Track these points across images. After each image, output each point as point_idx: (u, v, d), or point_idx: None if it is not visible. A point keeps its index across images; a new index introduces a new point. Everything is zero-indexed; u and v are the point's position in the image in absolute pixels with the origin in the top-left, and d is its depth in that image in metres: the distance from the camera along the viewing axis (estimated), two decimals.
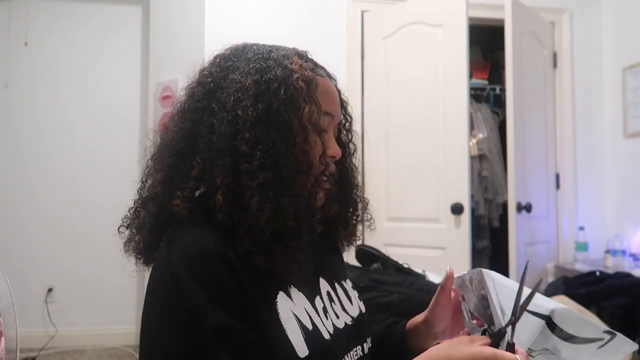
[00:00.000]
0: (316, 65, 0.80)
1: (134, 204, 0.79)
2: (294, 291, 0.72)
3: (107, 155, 3.63)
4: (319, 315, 0.74)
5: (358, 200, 0.90)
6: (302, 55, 0.79)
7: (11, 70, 3.58)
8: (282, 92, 0.71)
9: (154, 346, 0.65)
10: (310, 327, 0.71)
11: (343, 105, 0.85)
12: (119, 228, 0.80)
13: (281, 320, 0.68)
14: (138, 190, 0.79)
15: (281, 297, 0.70)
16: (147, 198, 0.76)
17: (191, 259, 0.64)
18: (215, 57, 0.79)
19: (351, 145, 0.89)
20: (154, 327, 0.65)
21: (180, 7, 3.18)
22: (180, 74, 3.07)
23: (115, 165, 3.62)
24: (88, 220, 3.56)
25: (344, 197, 0.86)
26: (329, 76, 0.82)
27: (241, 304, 0.65)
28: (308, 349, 0.68)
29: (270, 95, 0.71)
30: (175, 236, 0.69)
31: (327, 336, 0.73)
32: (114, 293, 3.54)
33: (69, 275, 3.54)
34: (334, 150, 0.78)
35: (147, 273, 0.81)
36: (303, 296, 0.74)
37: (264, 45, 0.80)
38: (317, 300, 0.77)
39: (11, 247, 3.47)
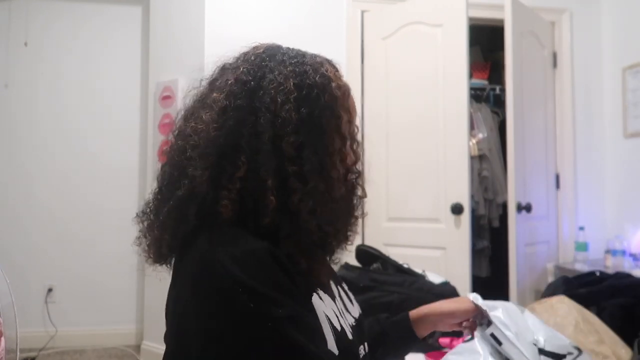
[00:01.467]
0: (340, 74, 0.81)
1: (161, 202, 0.72)
2: (322, 294, 0.74)
3: (107, 155, 3.63)
4: (341, 317, 0.76)
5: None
6: (332, 64, 0.80)
7: (11, 70, 3.58)
8: (323, 99, 0.72)
9: (220, 351, 0.62)
10: (339, 327, 0.73)
11: None
12: (139, 232, 0.76)
13: (319, 320, 0.69)
14: (161, 187, 0.74)
15: (315, 298, 0.72)
16: (185, 197, 0.69)
17: (244, 259, 0.63)
18: (248, 55, 0.77)
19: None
20: (215, 334, 0.62)
21: (180, 7, 3.18)
22: (180, 74, 3.08)
23: (115, 165, 3.62)
24: (88, 220, 3.56)
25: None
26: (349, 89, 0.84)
27: (299, 294, 0.66)
28: (338, 349, 0.69)
29: (312, 100, 0.71)
30: (219, 238, 0.66)
31: (350, 336, 0.75)
32: (114, 293, 3.54)
33: (69, 275, 3.54)
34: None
35: (148, 272, 0.80)
36: (329, 298, 0.76)
37: (293, 48, 0.80)
38: (337, 301, 0.79)
39: (11, 247, 3.47)
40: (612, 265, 2.94)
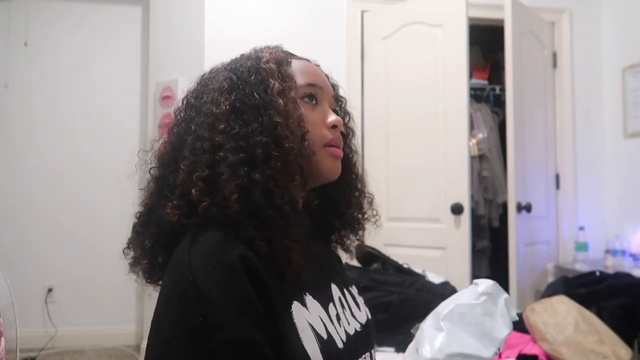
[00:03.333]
0: (293, 54, 0.82)
1: (134, 223, 0.78)
2: (309, 299, 0.71)
3: (107, 155, 3.63)
4: (332, 323, 0.73)
5: (361, 191, 0.89)
6: (274, 47, 0.81)
7: (11, 70, 3.58)
8: (252, 77, 0.73)
9: (162, 354, 0.62)
10: (325, 336, 0.69)
11: (335, 88, 0.86)
12: (123, 250, 0.79)
13: (298, 329, 0.66)
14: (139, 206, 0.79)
15: (296, 306, 0.68)
16: (142, 213, 0.77)
17: (212, 270, 0.62)
18: (196, 81, 0.81)
19: (348, 129, 0.88)
20: (165, 335, 0.62)
21: (180, 7, 3.18)
22: (180, 74, 3.08)
23: (115, 166, 3.60)
24: (88, 220, 3.56)
25: (344, 190, 0.86)
26: (308, 61, 0.83)
27: (263, 314, 0.63)
28: (323, 358, 0.67)
29: (242, 84, 0.73)
30: (196, 239, 0.66)
31: (340, 345, 0.72)
32: (114, 293, 3.54)
33: (68, 276, 3.54)
34: (333, 118, 0.77)
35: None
36: (318, 304, 0.72)
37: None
38: (331, 307, 0.75)
39: (11, 247, 3.47)
40: (612, 265, 2.94)
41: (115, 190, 3.61)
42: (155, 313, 0.65)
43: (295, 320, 0.67)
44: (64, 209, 3.58)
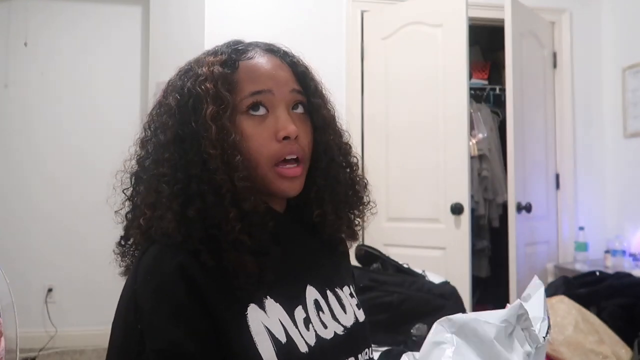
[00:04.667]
0: (245, 50, 0.75)
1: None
2: (269, 302, 0.69)
3: (107, 155, 3.61)
4: (297, 327, 0.70)
5: (348, 177, 0.82)
6: (217, 52, 0.76)
7: (11, 70, 3.57)
8: (190, 101, 0.70)
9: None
10: (284, 340, 0.67)
11: (305, 75, 0.77)
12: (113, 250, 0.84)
13: (252, 333, 0.65)
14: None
15: (252, 309, 0.67)
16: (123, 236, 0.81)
17: (151, 275, 0.65)
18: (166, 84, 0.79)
19: (323, 117, 0.78)
20: (114, 340, 0.68)
21: (179, 7, 3.18)
22: None
23: (115, 166, 3.60)
24: (88, 220, 3.55)
25: (317, 176, 0.78)
26: (269, 51, 0.76)
27: (199, 321, 0.63)
28: None
29: (184, 109, 0.70)
30: (147, 250, 0.69)
31: (304, 349, 0.69)
32: (114, 293, 3.47)
33: (68, 276, 3.54)
34: (284, 130, 0.70)
35: None
36: (279, 307, 0.70)
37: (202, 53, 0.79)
38: (298, 310, 0.72)
39: (11, 247, 3.46)
40: (612, 265, 2.94)
41: (115, 191, 3.61)
42: (114, 317, 0.70)
43: (250, 323, 0.66)
44: (64, 209, 3.58)
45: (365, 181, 0.85)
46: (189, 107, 0.70)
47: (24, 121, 3.60)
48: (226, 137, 0.67)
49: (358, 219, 0.86)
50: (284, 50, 0.78)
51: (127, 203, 0.79)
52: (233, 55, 0.74)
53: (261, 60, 0.74)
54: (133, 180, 0.77)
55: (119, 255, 0.79)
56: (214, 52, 0.76)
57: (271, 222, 0.70)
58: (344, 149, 0.82)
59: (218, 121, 0.68)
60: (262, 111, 0.71)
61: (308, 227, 0.81)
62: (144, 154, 0.75)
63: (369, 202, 0.86)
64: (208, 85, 0.69)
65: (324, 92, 0.80)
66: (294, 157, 0.72)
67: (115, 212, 0.79)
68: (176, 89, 0.73)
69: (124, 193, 0.79)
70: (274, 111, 0.72)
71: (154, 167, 0.71)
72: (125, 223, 0.78)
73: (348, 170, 0.82)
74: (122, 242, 0.78)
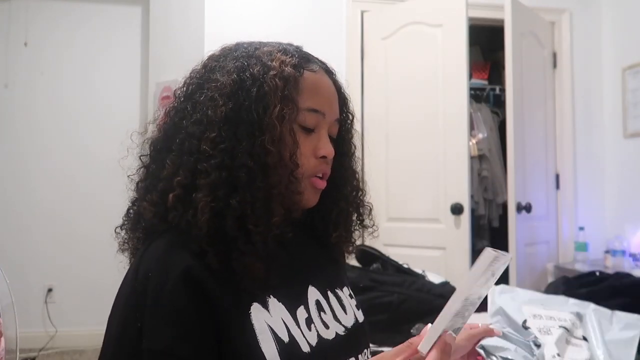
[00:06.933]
0: (308, 60, 0.76)
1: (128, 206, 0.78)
2: (272, 301, 0.69)
3: (107, 155, 3.61)
4: (299, 327, 0.70)
5: (359, 203, 0.86)
6: (287, 51, 0.74)
7: (11, 70, 3.58)
8: (254, 90, 0.69)
9: (109, 353, 0.64)
10: (286, 339, 0.67)
11: (345, 102, 0.82)
12: (115, 229, 0.80)
13: (255, 332, 0.65)
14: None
15: (256, 308, 0.67)
16: (131, 204, 0.76)
17: (155, 273, 0.63)
18: (206, 58, 0.77)
19: (351, 145, 0.84)
20: (111, 333, 0.65)
21: (180, 7, 3.18)
22: (180, 74, 3.07)
23: (115, 166, 3.60)
24: (88, 220, 3.55)
25: (341, 199, 0.82)
26: (327, 71, 0.78)
27: (198, 325, 0.62)
28: None
29: (243, 94, 0.68)
30: (148, 248, 0.67)
31: (306, 349, 0.69)
32: (114, 293, 3.48)
33: (68, 275, 3.54)
34: (324, 150, 0.74)
35: None
36: (282, 306, 0.70)
37: (257, 42, 0.77)
38: (300, 310, 0.72)
39: (11, 247, 3.47)
40: (612, 265, 2.94)
41: (115, 191, 3.62)
42: (111, 310, 0.67)
43: (254, 322, 0.66)
44: (64, 209, 3.58)
45: (370, 207, 0.88)
46: (251, 95, 0.68)
47: (24, 121, 3.60)
48: (288, 140, 0.69)
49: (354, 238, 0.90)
50: (335, 73, 0.81)
51: (141, 170, 0.76)
52: (301, 60, 0.75)
53: (324, 79, 0.76)
54: (152, 148, 0.73)
55: (121, 231, 0.78)
56: (283, 50, 0.75)
57: (291, 233, 0.71)
58: (359, 175, 0.87)
59: (282, 123, 0.69)
60: (312, 126, 0.74)
61: (307, 230, 0.84)
62: (173, 123, 0.72)
63: (372, 224, 0.89)
64: (278, 82, 0.69)
65: (354, 120, 0.85)
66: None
67: (128, 176, 0.78)
68: (234, 69, 0.71)
69: (140, 160, 0.76)
70: (319, 130, 0.75)
71: (190, 142, 0.67)
72: (135, 191, 0.76)
73: (360, 194, 0.87)
74: (128, 213, 0.77)
